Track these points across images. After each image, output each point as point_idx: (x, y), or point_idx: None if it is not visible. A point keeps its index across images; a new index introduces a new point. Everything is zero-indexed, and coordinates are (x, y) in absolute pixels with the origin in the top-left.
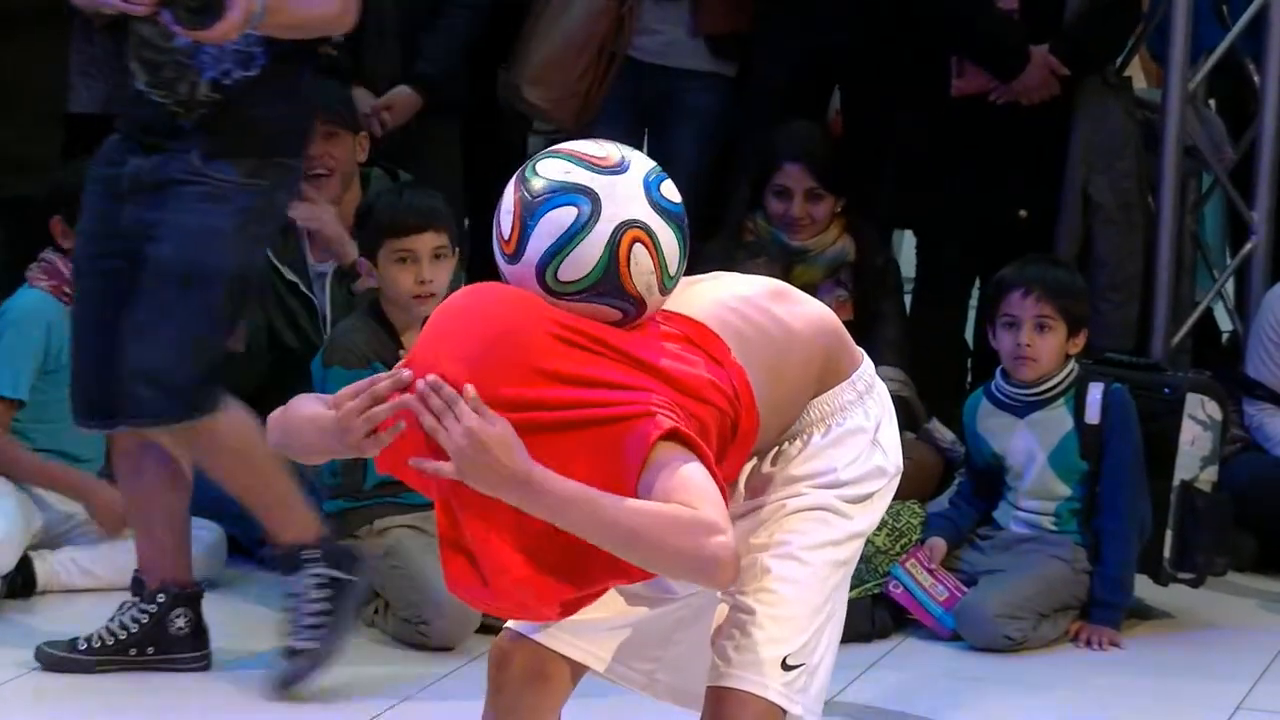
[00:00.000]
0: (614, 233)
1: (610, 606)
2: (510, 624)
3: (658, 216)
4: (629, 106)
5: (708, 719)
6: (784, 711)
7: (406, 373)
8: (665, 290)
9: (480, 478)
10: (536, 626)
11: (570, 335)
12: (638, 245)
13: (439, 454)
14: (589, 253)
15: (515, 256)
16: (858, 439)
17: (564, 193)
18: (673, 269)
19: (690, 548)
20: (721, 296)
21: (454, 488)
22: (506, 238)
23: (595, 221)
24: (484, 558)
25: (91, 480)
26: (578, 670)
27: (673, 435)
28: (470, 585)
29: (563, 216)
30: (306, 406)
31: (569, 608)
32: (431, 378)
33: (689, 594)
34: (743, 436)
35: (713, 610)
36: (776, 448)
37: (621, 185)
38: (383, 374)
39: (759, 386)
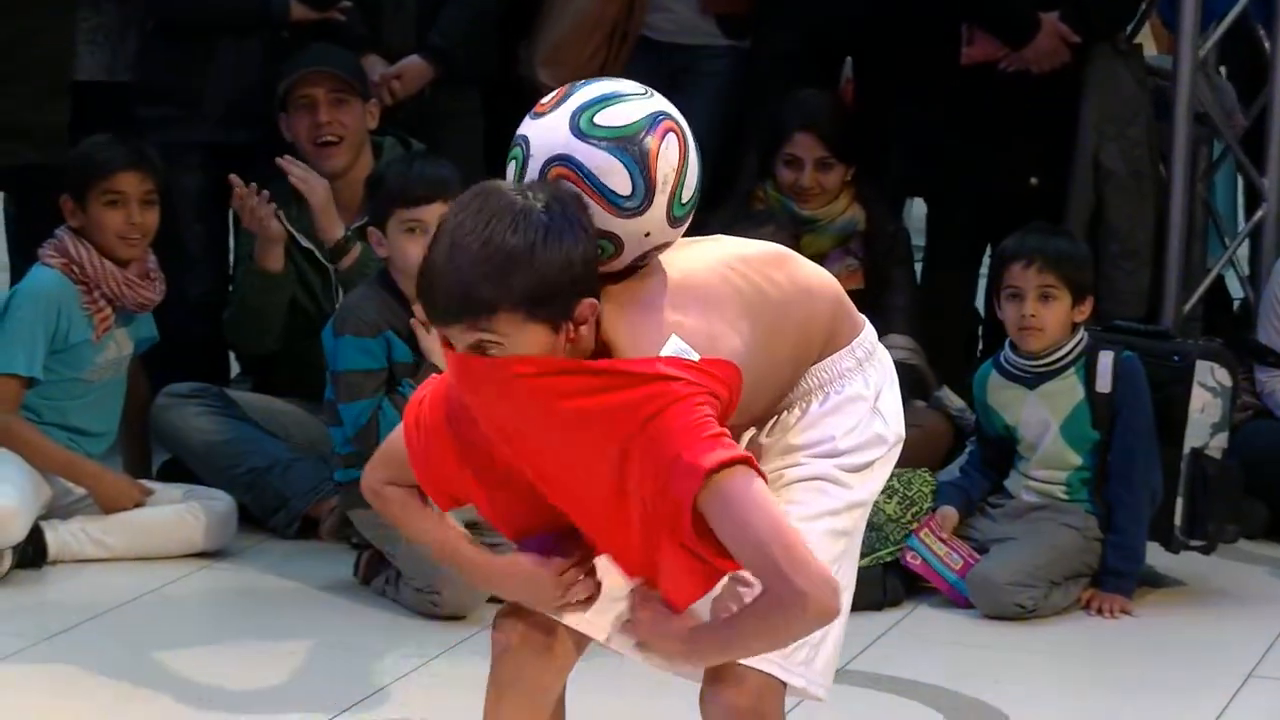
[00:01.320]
0: (656, 114)
1: (611, 576)
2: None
3: (689, 136)
4: (646, 82)
5: (707, 688)
6: (784, 684)
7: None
8: (673, 210)
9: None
10: None
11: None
12: (671, 135)
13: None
14: (632, 112)
15: (550, 110)
16: (857, 406)
17: (617, 81)
18: (686, 190)
19: (799, 628)
20: (723, 255)
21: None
22: (546, 101)
23: (643, 99)
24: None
25: (94, 468)
26: (581, 643)
27: (725, 466)
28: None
29: (614, 85)
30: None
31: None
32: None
33: None
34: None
35: None
36: (775, 417)
37: (665, 100)
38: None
39: (756, 348)
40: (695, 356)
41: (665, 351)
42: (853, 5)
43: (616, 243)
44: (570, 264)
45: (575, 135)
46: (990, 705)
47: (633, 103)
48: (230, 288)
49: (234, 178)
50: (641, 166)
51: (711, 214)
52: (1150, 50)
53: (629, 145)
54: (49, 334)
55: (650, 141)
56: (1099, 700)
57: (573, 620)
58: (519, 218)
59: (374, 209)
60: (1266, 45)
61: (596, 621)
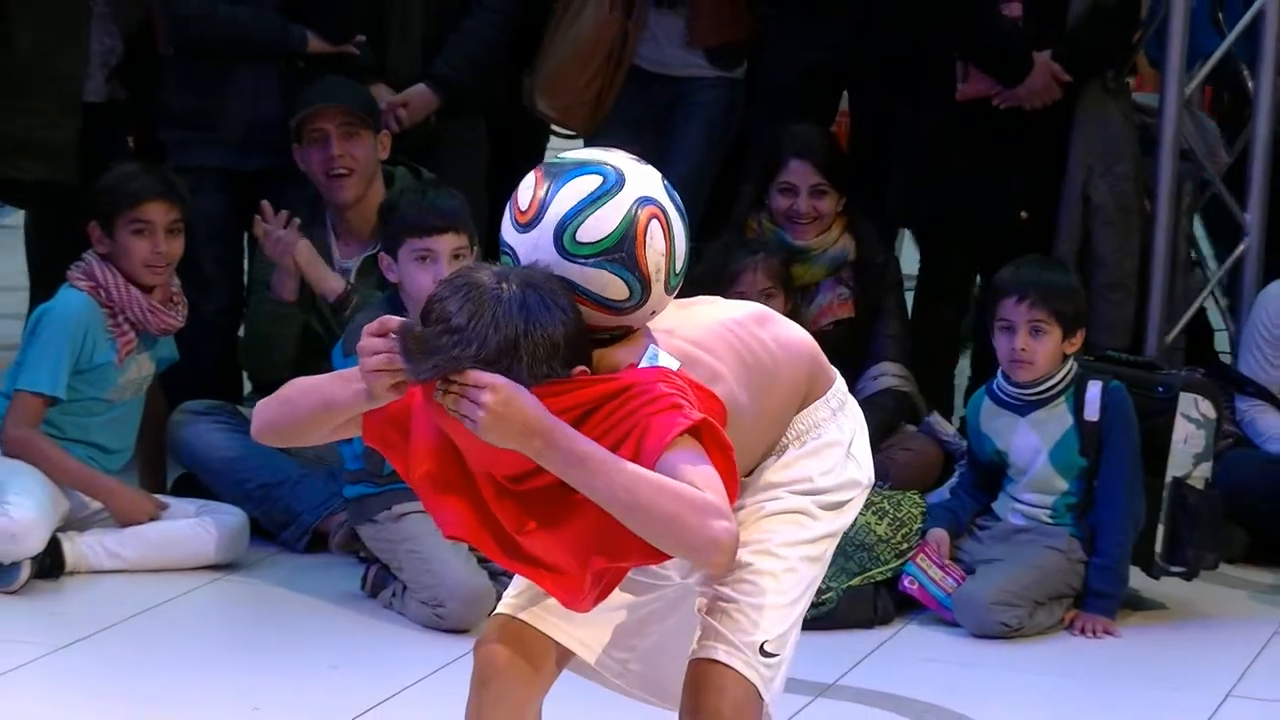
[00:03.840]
0: (634, 204)
1: (609, 612)
2: (494, 617)
3: (673, 207)
4: (641, 113)
5: (690, 688)
6: (761, 697)
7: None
8: (670, 286)
9: (502, 430)
10: (532, 614)
11: (560, 387)
12: (654, 223)
13: (441, 416)
14: (610, 216)
15: (531, 224)
16: (833, 451)
17: (590, 165)
18: (679, 263)
19: (696, 525)
20: (720, 318)
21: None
22: (524, 208)
23: (619, 190)
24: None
25: (110, 483)
26: (561, 660)
27: (698, 430)
28: (467, 529)
29: (587, 183)
30: (315, 377)
31: (600, 581)
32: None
33: (665, 585)
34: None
35: (683, 606)
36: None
37: (642, 171)
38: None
39: (749, 401)
40: (675, 364)
41: (644, 363)
42: (851, 41)
43: (627, 329)
44: (555, 346)
45: (563, 258)
46: None
47: (609, 203)
48: (244, 308)
49: (265, 204)
50: (632, 270)
51: (707, 243)
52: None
53: (615, 255)
54: (74, 355)
55: (634, 242)
56: (1081, 718)
57: (560, 634)
58: (500, 311)
59: (387, 236)
60: (1250, 84)
61: (580, 637)
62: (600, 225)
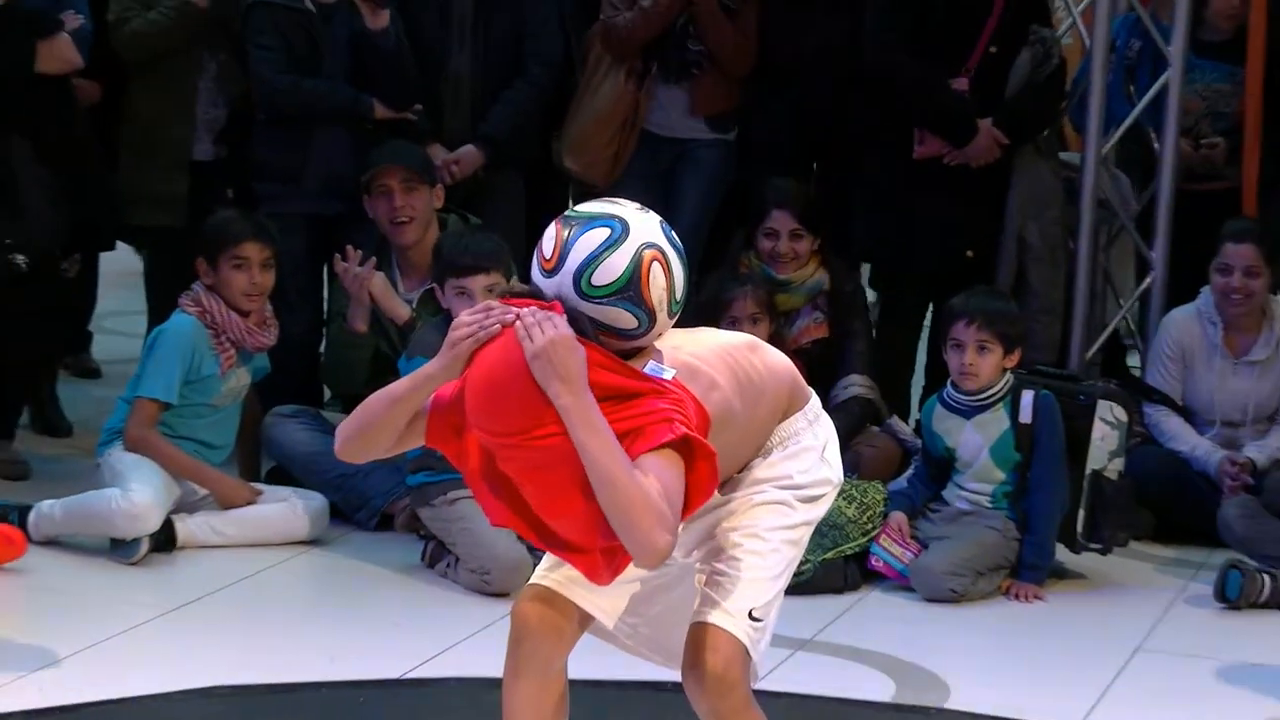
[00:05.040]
0: (638, 250)
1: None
2: (529, 586)
3: (671, 249)
4: (650, 168)
5: (690, 648)
6: (749, 656)
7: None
8: (671, 312)
9: (546, 365)
10: (559, 583)
11: (605, 360)
12: (655, 264)
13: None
14: (618, 262)
15: (554, 270)
16: (810, 454)
17: (600, 219)
18: (678, 293)
19: (646, 527)
20: (720, 343)
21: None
22: (548, 256)
23: (625, 239)
24: (543, 500)
25: (215, 473)
26: (583, 624)
27: (686, 442)
28: (511, 522)
29: (598, 234)
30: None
31: (611, 560)
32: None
33: (670, 565)
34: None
35: (685, 581)
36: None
37: (645, 220)
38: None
39: (740, 412)
40: (671, 374)
41: (647, 372)
42: (826, 113)
43: (637, 350)
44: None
45: (582, 298)
46: (928, 670)
47: (618, 251)
48: (324, 329)
49: (350, 249)
50: (639, 305)
51: (706, 276)
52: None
53: (625, 293)
54: (185, 368)
55: (640, 282)
56: (1016, 667)
57: (583, 601)
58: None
59: (436, 273)
60: (1156, 145)
61: (600, 604)
62: (611, 270)
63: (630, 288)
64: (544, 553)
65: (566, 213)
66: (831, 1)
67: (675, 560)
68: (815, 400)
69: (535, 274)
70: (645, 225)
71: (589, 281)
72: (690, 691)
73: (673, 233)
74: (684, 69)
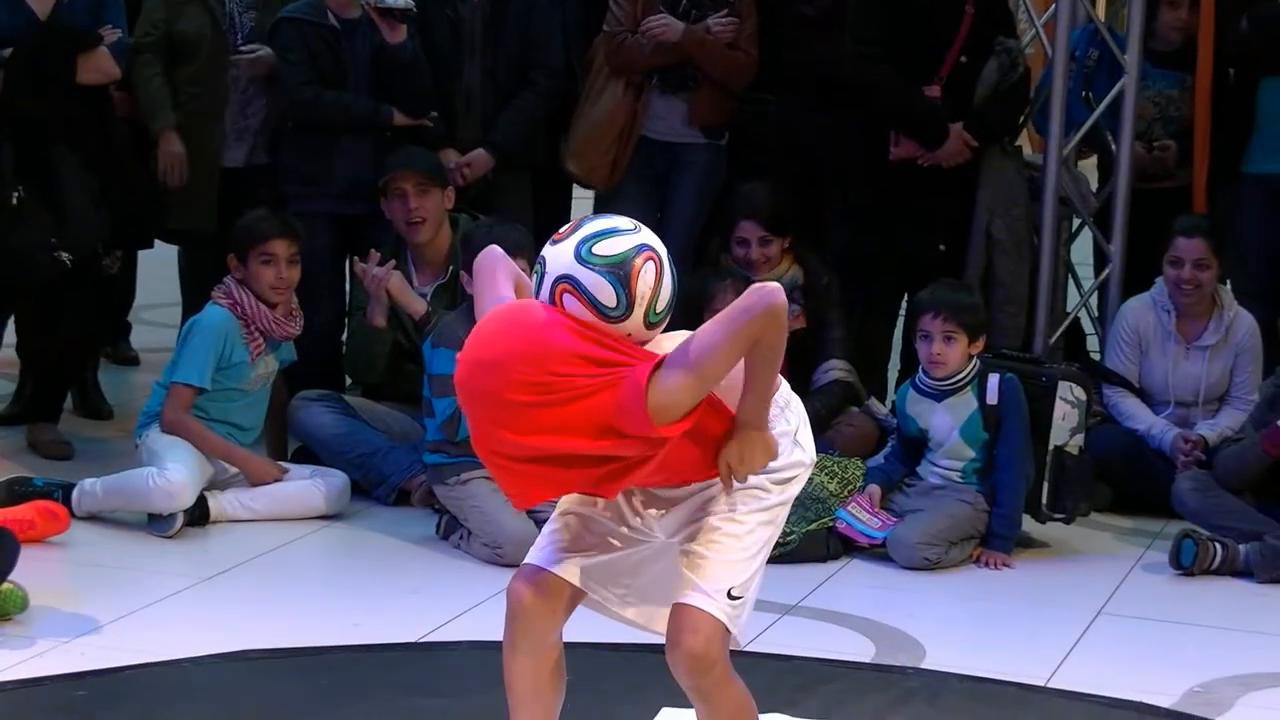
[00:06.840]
0: (641, 245)
1: (601, 548)
2: (522, 565)
3: (668, 265)
4: (647, 171)
5: (672, 628)
6: (729, 632)
7: None
8: (648, 319)
9: (759, 452)
10: (551, 561)
11: (587, 332)
12: (650, 264)
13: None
14: (621, 244)
15: (562, 239)
16: (783, 439)
17: (618, 226)
18: (660, 303)
19: (754, 306)
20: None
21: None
22: (563, 231)
23: (633, 234)
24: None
25: (244, 453)
26: (575, 599)
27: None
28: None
29: (614, 222)
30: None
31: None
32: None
33: (653, 539)
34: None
35: (668, 553)
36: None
37: (651, 232)
38: None
39: (721, 395)
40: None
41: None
42: (810, 122)
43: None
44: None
45: (578, 260)
46: (905, 633)
47: (624, 237)
48: (346, 320)
49: (374, 252)
50: (625, 286)
51: (691, 273)
52: (1027, 150)
53: (617, 270)
54: (217, 355)
55: (633, 268)
56: (986, 630)
57: (574, 576)
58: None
59: (465, 259)
60: (1113, 147)
61: (590, 575)
62: (614, 246)
63: (622, 268)
64: None
65: (584, 216)
66: (823, 19)
67: (658, 537)
68: (785, 386)
69: (545, 248)
70: (652, 237)
71: (590, 249)
72: (674, 669)
73: (671, 257)
74: (683, 82)
